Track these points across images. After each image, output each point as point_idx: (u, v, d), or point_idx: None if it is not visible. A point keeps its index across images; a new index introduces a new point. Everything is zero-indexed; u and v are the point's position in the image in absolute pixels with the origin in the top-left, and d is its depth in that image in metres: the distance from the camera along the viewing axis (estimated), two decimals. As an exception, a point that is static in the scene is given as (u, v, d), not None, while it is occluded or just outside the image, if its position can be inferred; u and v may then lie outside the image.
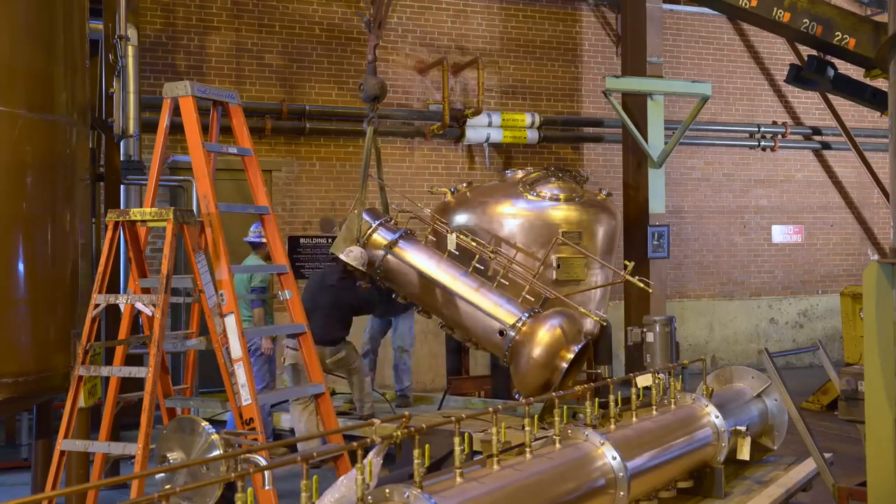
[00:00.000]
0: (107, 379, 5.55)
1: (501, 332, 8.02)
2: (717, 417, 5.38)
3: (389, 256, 8.87)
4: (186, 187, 10.16)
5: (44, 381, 5.20)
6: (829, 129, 15.28)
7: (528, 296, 9.14)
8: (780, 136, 15.29)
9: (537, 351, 8.04)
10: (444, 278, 8.40)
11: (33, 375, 5.11)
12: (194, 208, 8.84)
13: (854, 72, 7.50)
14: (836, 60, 7.21)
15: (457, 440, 3.53)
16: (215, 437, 4.68)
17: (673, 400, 5.36)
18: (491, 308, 8.18)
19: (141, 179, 9.19)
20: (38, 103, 5.22)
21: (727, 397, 5.96)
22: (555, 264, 10.14)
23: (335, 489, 3.74)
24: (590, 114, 14.15)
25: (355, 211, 8.93)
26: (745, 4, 7.04)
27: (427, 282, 8.62)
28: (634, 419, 4.87)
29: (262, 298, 9.07)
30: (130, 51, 8.06)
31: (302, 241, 12.26)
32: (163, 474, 4.58)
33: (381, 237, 8.98)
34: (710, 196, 14.94)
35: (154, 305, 5.22)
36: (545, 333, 8.13)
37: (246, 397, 5.52)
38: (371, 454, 3.64)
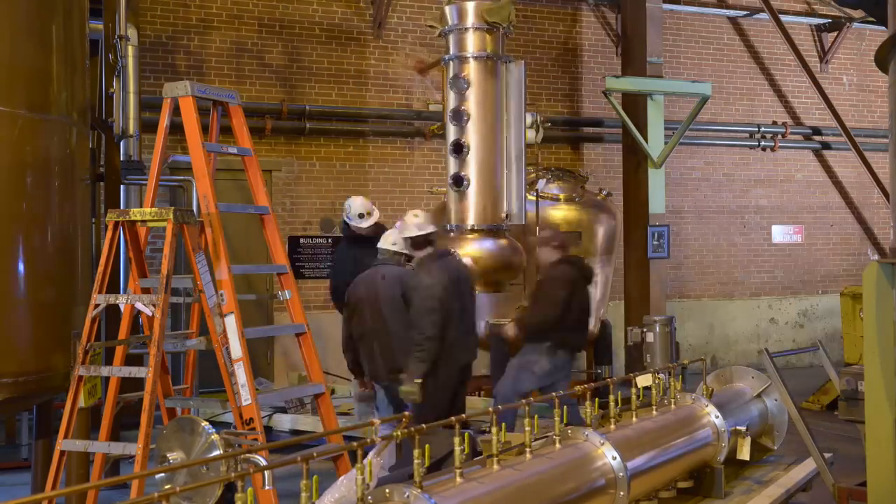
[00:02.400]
0: (107, 379, 5.55)
1: None
2: (717, 417, 5.38)
3: None
4: (186, 187, 10.15)
5: (44, 381, 5.20)
6: (829, 129, 15.27)
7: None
8: (780, 136, 15.28)
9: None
10: None
11: (33, 375, 5.11)
12: (194, 208, 8.83)
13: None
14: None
15: (457, 440, 3.53)
16: (215, 437, 4.68)
17: (673, 400, 5.36)
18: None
19: (141, 179, 9.18)
20: (38, 103, 5.22)
21: (727, 397, 5.96)
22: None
23: (335, 489, 3.74)
24: (590, 114, 14.14)
25: None
26: None
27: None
28: (634, 419, 4.87)
29: None
30: (130, 51, 8.06)
31: (302, 241, 12.26)
32: (163, 474, 4.58)
33: None
34: (710, 196, 14.93)
35: (154, 305, 5.22)
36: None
37: (246, 397, 5.52)
38: (371, 454, 3.64)
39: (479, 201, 8.90)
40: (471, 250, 8.64)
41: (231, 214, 11.86)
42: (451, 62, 9.08)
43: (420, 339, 6.31)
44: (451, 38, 9.08)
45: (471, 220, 8.86)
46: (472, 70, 8.89)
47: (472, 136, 8.84)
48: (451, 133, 9.01)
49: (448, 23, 9.10)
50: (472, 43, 8.93)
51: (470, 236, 8.85)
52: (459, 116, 8.83)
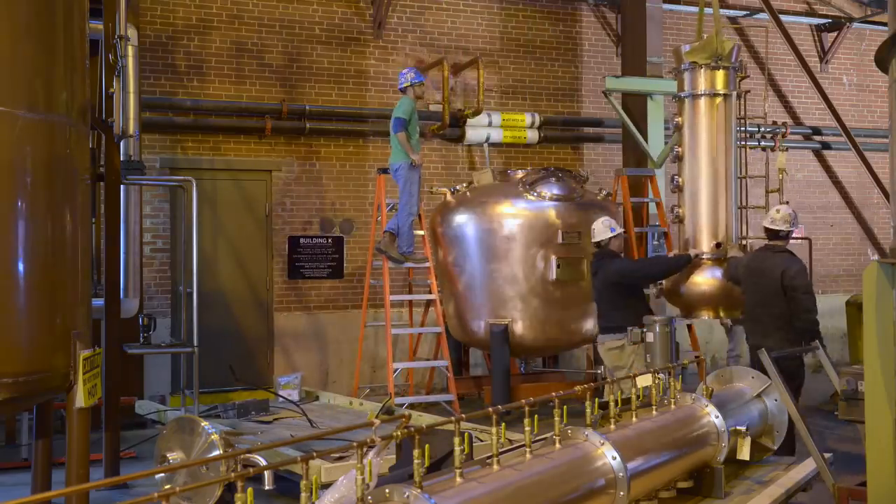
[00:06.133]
0: (106, 379, 5.55)
1: None
2: (717, 417, 5.38)
3: None
4: (186, 187, 10.16)
5: (44, 381, 5.19)
6: (829, 129, 15.28)
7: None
8: (780, 136, 15.28)
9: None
10: None
11: (33, 375, 5.10)
12: (193, 209, 8.83)
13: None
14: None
15: (457, 440, 3.53)
16: (215, 436, 4.67)
17: (673, 400, 5.36)
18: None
19: (141, 179, 9.19)
20: (38, 103, 5.21)
21: (727, 397, 5.95)
22: (555, 264, 10.16)
23: (335, 489, 3.73)
24: (590, 114, 14.14)
25: None
26: None
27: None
28: (634, 419, 4.87)
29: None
30: (130, 51, 8.04)
31: (302, 241, 12.27)
32: (163, 474, 4.57)
33: None
34: (710, 196, 14.90)
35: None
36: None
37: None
38: (371, 454, 3.64)
39: (690, 232, 9.42)
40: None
41: (231, 214, 11.91)
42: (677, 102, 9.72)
43: None
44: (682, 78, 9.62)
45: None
46: (684, 109, 9.38)
47: (686, 172, 9.39)
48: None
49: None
50: (687, 82, 9.35)
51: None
52: (674, 155, 9.63)
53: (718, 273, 9.06)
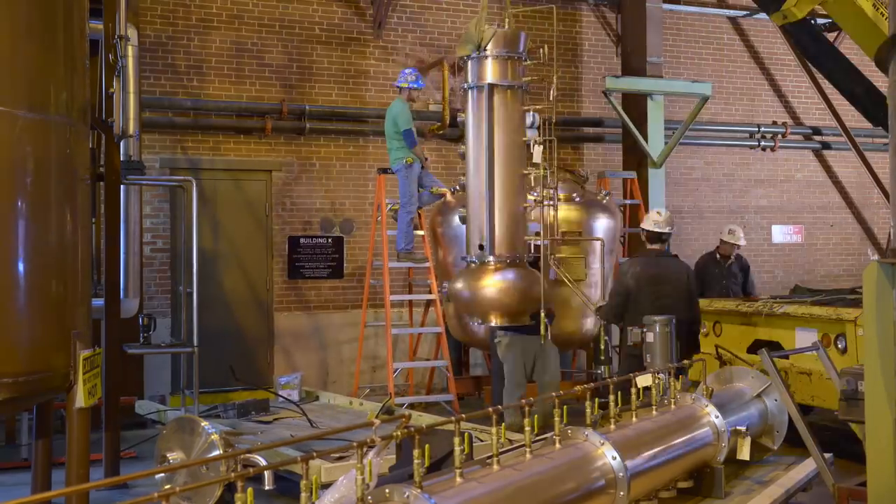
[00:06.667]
0: (106, 379, 5.54)
1: None
2: (717, 417, 5.39)
3: None
4: (186, 187, 10.16)
5: (44, 381, 5.20)
6: (829, 129, 15.27)
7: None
8: (780, 136, 15.28)
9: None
10: None
11: (33, 375, 5.11)
12: (193, 209, 8.83)
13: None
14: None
15: (457, 440, 3.53)
16: (215, 437, 4.67)
17: (673, 400, 5.37)
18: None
19: (141, 179, 9.19)
20: (38, 103, 5.21)
21: (727, 397, 5.97)
22: (554, 264, 10.14)
23: (335, 489, 3.73)
24: (590, 114, 14.14)
25: None
26: None
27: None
28: (634, 419, 4.87)
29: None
30: (130, 51, 8.05)
31: (302, 241, 12.26)
32: (163, 474, 4.58)
33: None
34: (710, 196, 14.93)
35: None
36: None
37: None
38: (371, 454, 3.64)
39: (475, 235, 8.72)
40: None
41: (231, 214, 11.91)
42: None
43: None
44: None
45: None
46: (466, 103, 8.79)
47: (469, 170, 8.79)
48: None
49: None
50: (470, 73, 8.80)
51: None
52: (461, 153, 9.24)
53: (510, 276, 8.44)
